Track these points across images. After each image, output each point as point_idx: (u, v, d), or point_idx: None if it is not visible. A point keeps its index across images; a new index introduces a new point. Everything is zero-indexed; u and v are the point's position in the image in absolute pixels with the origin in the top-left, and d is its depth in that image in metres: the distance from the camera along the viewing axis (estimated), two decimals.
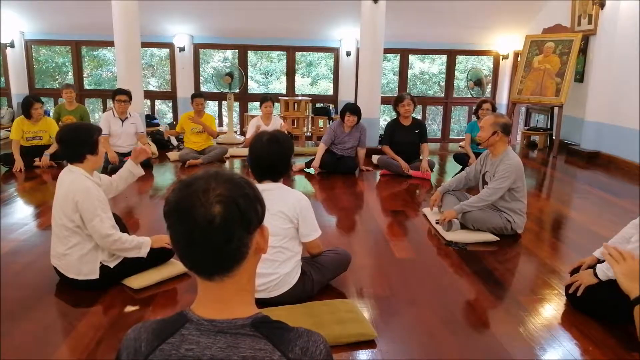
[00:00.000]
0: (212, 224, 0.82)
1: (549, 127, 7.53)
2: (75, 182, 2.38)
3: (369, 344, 2.07)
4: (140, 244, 2.52)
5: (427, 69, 14.34)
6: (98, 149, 2.47)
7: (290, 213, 2.25)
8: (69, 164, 2.47)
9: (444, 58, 10.31)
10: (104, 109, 9.66)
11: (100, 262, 2.46)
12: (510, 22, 8.49)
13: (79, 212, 2.36)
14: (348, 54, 9.03)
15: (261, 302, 2.21)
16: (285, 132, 3.58)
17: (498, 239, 3.28)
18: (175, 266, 2.67)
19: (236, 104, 9.20)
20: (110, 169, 5.16)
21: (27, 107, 5.30)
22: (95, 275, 2.44)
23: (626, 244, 2.30)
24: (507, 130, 3.30)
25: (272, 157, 2.26)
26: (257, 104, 6.23)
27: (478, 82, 8.57)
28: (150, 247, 2.56)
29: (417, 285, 2.67)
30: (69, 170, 2.45)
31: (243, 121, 9.13)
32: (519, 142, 7.77)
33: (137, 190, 4.65)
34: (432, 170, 5.27)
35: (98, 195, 2.42)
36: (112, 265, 2.48)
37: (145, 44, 8.02)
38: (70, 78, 11.36)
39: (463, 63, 12.85)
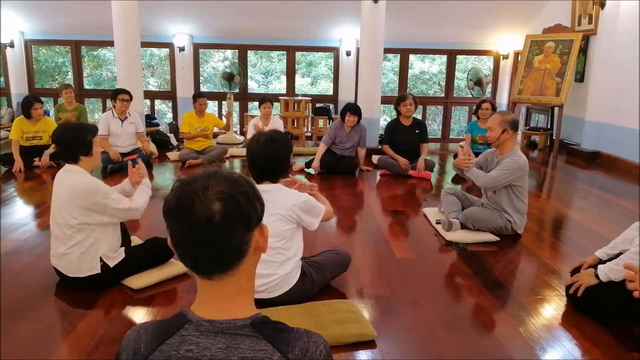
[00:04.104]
0: (211, 221, 0.82)
1: (549, 127, 7.53)
2: (78, 179, 2.38)
3: (369, 344, 2.07)
4: (148, 192, 2.68)
5: (427, 69, 14.33)
6: (92, 150, 2.46)
7: (289, 214, 2.25)
8: (66, 163, 2.47)
9: (444, 58, 10.30)
10: (104, 109, 9.66)
11: (101, 260, 2.45)
12: (511, 22, 8.49)
13: (91, 208, 2.36)
14: (348, 53, 9.03)
15: (261, 303, 2.21)
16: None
17: (498, 239, 3.28)
18: (175, 266, 2.67)
19: (236, 104, 9.20)
20: (110, 169, 5.17)
21: (26, 107, 5.29)
22: (96, 270, 2.44)
23: (629, 246, 2.29)
24: (516, 126, 3.27)
25: (269, 158, 2.25)
26: (257, 104, 6.23)
27: (478, 82, 8.56)
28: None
29: (417, 285, 2.66)
30: (68, 169, 2.44)
31: (243, 121, 9.13)
32: (519, 142, 7.77)
33: None
34: (432, 171, 5.27)
35: (103, 183, 2.45)
36: (111, 264, 2.48)
37: (145, 44, 8.01)
38: (70, 78, 11.36)
39: (463, 63, 12.85)
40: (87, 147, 2.43)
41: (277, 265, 2.26)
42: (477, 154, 4.64)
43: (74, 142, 2.41)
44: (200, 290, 0.91)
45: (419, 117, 9.04)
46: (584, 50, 6.88)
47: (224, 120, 6.81)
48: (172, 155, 6.00)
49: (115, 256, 2.51)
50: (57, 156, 5.26)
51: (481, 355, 2.04)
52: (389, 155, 5.30)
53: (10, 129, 5.59)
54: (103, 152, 5.32)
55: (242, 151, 6.27)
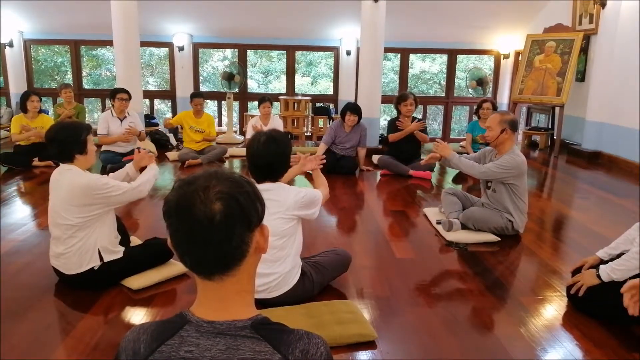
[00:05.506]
0: (212, 221, 0.82)
1: (550, 126, 7.52)
2: (75, 179, 2.37)
3: (369, 344, 2.07)
4: (153, 175, 2.68)
5: (427, 69, 14.33)
6: (87, 148, 2.45)
7: (290, 212, 2.25)
8: (60, 163, 2.45)
9: (445, 57, 10.29)
10: (103, 109, 9.65)
11: (100, 257, 2.44)
12: (511, 22, 8.48)
13: (94, 202, 2.37)
14: (348, 53, 9.02)
15: (261, 303, 2.20)
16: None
17: (499, 239, 3.27)
18: (175, 266, 2.67)
19: (236, 104, 9.19)
20: (109, 168, 5.15)
21: (24, 99, 5.41)
22: (96, 262, 2.43)
23: (630, 246, 2.29)
24: (515, 126, 3.27)
25: (270, 157, 2.24)
26: (257, 103, 6.23)
27: (480, 82, 8.55)
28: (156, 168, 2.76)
29: (417, 285, 2.66)
30: (64, 169, 2.42)
31: (243, 121, 9.12)
32: (520, 142, 7.77)
33: None
34: (432, 171, 5.27)
35: (98, 177, 2.45)
36: (108, 258, 2.46)
37: (144, 44, 8.01)
38: (69, 77, 11.35)
39: (464, 62, 12.83)
40: (82, 146, 2.42)
41: (277, 264, 2.25)
42: None
43: (69, 140, 2.39)
44: (200, 290, 0.90)
45: (420, 116, 9.03)
46: (584, 50, 6.87)
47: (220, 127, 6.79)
48: (172, 155, 5.99)
49: (115, 250, 2.51)
50: (51, 156, 5.26)
51: (481, 355, 2.03)
52: (397, 137, 5.22)
53: (10, 128, 5.61)
54: (103, 152, 5.32)
55: (242, 151, 6.26)
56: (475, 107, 5.90)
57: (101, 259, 2.44)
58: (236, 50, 9.78)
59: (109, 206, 2.46)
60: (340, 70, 9.35)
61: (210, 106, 11.19)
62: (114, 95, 5.40)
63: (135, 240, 3.01)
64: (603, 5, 6.30)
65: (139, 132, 5.54)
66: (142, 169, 2.82)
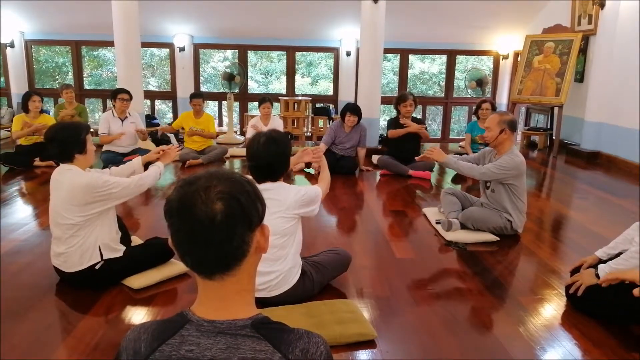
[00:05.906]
0: (213, 221, 0.82)
1: (549, 127, 7.53)
2: (75, 179, 2.38)
3: (369, 344, 2.07)
4: (157, 172, 2.69)
5: (427, 69, 14.33)
6: (87, 148, 2.45)
7: (290, 212, 2.26)
8: (60, 163, 2.46)
9: (444, 58, 10.31)
10: (104, 109, 9.67)
11: (101, 255, 2.45)
12: (511, 22, 8.49)
13: (95, 200, 2.38)
14: (348, 54, 9.03)
15: (261, 302, 2.21)
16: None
17: (498, 239, 3.28)
18: (175, 266, 2.68)
19: (236, 104, 9.20)
20: (110, 168, 5.17)
21: (25, 99, 5.42)
22: (97, 259, 2.44)
23: (629, 246, 2.30)
24: (514, 126, 3.27)
25: (270, 158, 2.25)
26: (257, 104, 6.24)
27: (479, 82, 8.57)
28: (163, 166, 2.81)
29: (417, 285, 2.67)
30: (64, 169, 2.43)
31: (243, 121, 9.14)
32: (519, 142, 7.77)
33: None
34: (431, 171, 5.28)
35: (98, 175, 2.47)
36: (108, 255, 2.47)
37: (145, 44, 8.02)
38: (70, 78, 11.35)
39: (463, 63, 12.84)
40: (82, 145, 2.43)
41: (277, 262, 2.26)
42: None
43: (69, 140, 2.40)
44: (200, 290, 0.91)
45: (419, 117, 9.04)
46: (583, 51, 6.88)
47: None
48: None
49: (116, 248, 2.52)
50: (52, 156, 5.27)
51: (481, 355, 2.04)
52: (398, 134, 5.23)
53: (11, 127, 5.62)
54: (104, 152, 5.33)
55: (242, 151, 6.26)
56: (474, 108, 5.92)
57: (102, 256, 2.46)
58: (237, 51, 9.79)
59: (111, 203, 2.48)
60: (340, 70, 9.36)
61: (211, 106, 11.20)
62: (115, 95, 5.41)
63: (136, 240, 3.02)
64: (602, 6, 6.31)
65: (144, 132, 5.58)
66: (145, 167, 2.83)
